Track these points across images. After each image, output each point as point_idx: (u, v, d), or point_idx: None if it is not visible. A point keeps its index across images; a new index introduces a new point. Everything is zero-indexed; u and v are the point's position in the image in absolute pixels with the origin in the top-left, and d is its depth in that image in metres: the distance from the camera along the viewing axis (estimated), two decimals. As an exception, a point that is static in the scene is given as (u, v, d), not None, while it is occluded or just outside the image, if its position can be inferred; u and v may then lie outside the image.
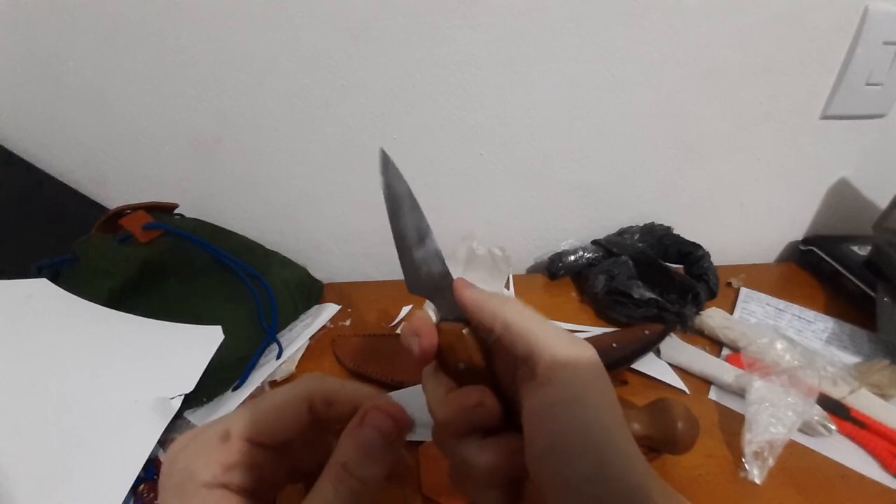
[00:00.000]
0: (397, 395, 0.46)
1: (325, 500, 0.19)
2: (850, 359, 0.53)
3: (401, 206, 0.26)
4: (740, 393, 0.46)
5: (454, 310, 0.24)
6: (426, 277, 0.25)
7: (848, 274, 0.61)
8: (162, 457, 0.41)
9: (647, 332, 0.51)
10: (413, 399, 0.46)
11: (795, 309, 0.60)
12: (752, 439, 0.41)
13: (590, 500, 0.18)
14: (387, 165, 0.26)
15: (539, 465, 0.20)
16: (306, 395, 0.22)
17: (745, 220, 0.70)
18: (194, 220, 0.56)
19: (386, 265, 0.70)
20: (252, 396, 0.47)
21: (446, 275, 0.25)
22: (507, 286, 0.62)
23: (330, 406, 0.22)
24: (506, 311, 0.22)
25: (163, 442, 0.41)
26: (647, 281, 0.57)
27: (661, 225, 0.66)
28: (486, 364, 0.23)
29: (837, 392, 0.46)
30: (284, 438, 0.21)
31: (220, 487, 0.19)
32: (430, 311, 0.25)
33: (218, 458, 0.19)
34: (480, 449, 0.22)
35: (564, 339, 0.21)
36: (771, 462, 0.40)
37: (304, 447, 0.23)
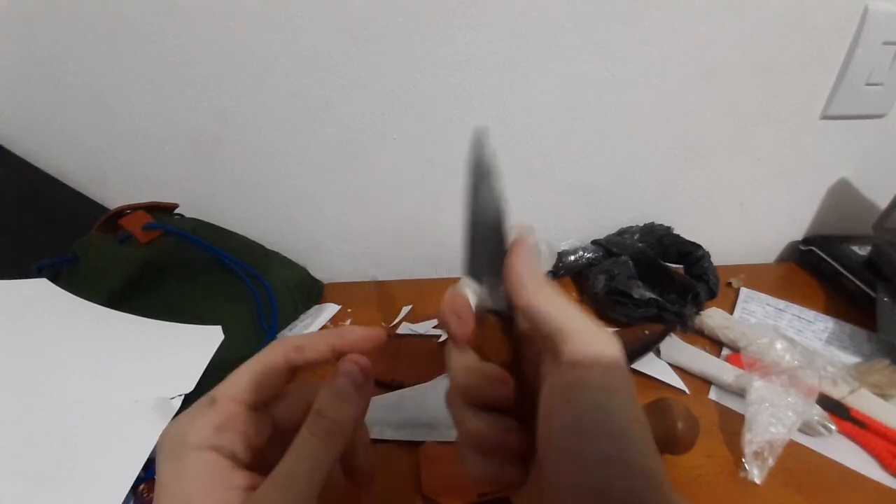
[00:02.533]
0: (397, 395, 0.46)
1: (302, 440, 0.21)
2: (850, 359, 0.53)
3: (483, 181, 0.25)
4: (740, 393, 0.46)
5: (499, 299, 0.24)
6: (487, 260, 0.25)
7: (848, 274, 0.61)
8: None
9: (647, 332, 0.51)
10: (413, 399, 0.46)
11: (795, 309, 0.60)
12: (752, 439, 0.41)
13: (600, 482, 0.18)
14: (481, 143, 0.25)
15: (552, 444, 0.20)
16: (279, 349, 0.24)
17: (745, 220, 0.70)
18: (194, 220, 0.56)
19: (386, 265, 0.70)
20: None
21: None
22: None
23: (300, 352, 0.24)
24: (539, 295, 0.22)
25: (163, 442, 0.41)
26: (647, 281, 0.57)
27: (661, 225, 0.66)
28: (513, 359, 0.24)
29: (837, 392, 0.46)
30: (269, 394, 0.23)
31: (210, 450, 0.20)
32: (469, 291, 0.25)
33: (206, 421, 0.21)
34: (476, 417, 0.23)
35: (594, 328, 0.22)
36: (771, 462, 0.40)
37: (284, 408, 0.24)
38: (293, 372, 0.24)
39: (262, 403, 0.23)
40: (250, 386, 0.22)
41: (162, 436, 0.21)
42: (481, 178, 0.25)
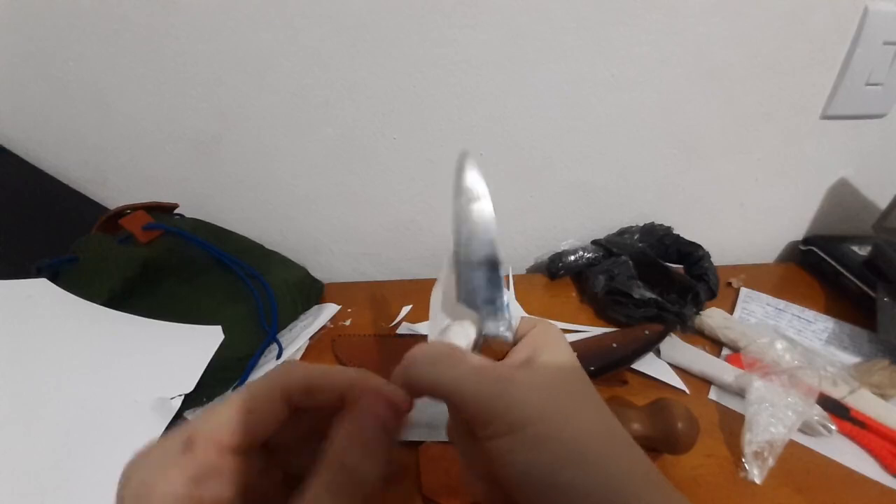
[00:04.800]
0: (397, 395, 0.46)
1: (318, 499, 0.17)
2: (850, 359, 0.53)
3: (473, 205, 0.25)
4: (740, 393, 0.46)
5: (502, 327, 0.24)
6: (478, 289, 0.25)
7: (848, 274, 0.61)
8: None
9: (647, 332, 0.51)
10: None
11: (795, 309, 0.60)
12: (752, 439, 0.41)
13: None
14: (469, 167, 0.25)
15: (516, 496, 0.21)
16: (279, 385, 0.19)
17: (745, 220, 0.70)
18: (194, 220, 0.56)
19: (386, 265, 0.70)
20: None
21: (500, 287, 0.25)
22: (506, 286, 0.63)
23: (310, 394, 0.20)
24: (443, 382, 0.21)
25: (163, 442, 0.41)
26: (647, 281, 0.57)
27: (661, 225, 0.66)
28: None
29: (837, 392, 0.46)
30: (260, 438, 0.19)
31: (188, 500, 0.17)
32: (468, 326, 0.25)
33: (181, 471, 0.17)
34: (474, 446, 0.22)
35: (495, 389, 0.20)
36: (771, 462, 0.40)
37: (294, 446, 0.21)
38: (294, 411, 0.20)
39: (252, 446, 0.19)
40: (237, 428, 0.18)
41: (123, 483, 0.17)
42: (470, 202, 0.25)
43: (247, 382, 0.20)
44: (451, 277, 0.26)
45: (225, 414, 0.18)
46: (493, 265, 0.25)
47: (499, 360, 0.24)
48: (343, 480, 0.17)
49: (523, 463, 0.19)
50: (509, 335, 0.25)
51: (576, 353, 0.24)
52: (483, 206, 0.25)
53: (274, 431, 0.19)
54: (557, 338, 0.24)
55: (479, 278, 0.25)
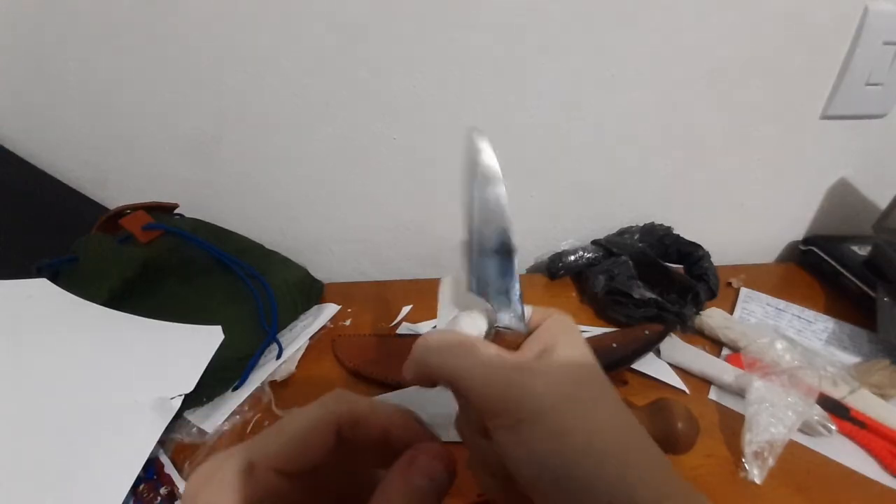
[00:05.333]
0: (397, 396, 0.46)
1: None
2: (850, 359, 0.53)
3: (487, 188, 0.23)
4: (740, 393, 0.46)
5: (515, 318, 0.23)
6: (490, 278, 0.24)
7: (848, 274, 0.61)
8: (162, 457, 0.41)
9: (647, 332, 0.51)
10: (413, 399, 0.46)
11: (795, 309, 0.60)
12: (752, 439, 0.41)
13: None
14: (482, 147, 0.23)
15: (533, 495, 0.20)
16: (334, 417, 0.20)
17: (745, 220, 0.70)
18: (194, 220, 0.56)
19: (386, 265, 0.70)
20: (253, 397, 0.47)
21: (513, 276, 0.24)
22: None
23: (356, 428, 0.20)
24: (449, 367, 0.21)
25: (163, 442, 0.41)
26: (647, 281, 0.57)
27: (661, 225, 0.66)
28: None
29: (837, 392, 0.46)
30: (312, 464, 0.19)
31: None
32: (478, 317, 0.24)
33: (243, 494, 0.18)
34: (484, 440, 0.22)
35: (510, 382, 0.20)
36: (771, 462, 0.40)
37: (328, 473, 0.21)
38: (340, 442, 0.20)
39: (303, 471, 0.19)
40: (294, 456, 0.19)
41: (189, 499, 0.18)
42: (485, 185, 0.23)
43: (303, 408, 0.20)
44: (462, 266, 0.25)
45: (283, 440, 0.19)
46: (506, 253, 0.24)
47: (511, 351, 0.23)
48: None
49: (538, 454, 0.19)
50: (522, 326, 0.24)
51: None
52: (498, 190, 0.23)
53: (323, 459, 0.20)
54: (571, 330, 0.23)
55: (492, 267, 0.24)
